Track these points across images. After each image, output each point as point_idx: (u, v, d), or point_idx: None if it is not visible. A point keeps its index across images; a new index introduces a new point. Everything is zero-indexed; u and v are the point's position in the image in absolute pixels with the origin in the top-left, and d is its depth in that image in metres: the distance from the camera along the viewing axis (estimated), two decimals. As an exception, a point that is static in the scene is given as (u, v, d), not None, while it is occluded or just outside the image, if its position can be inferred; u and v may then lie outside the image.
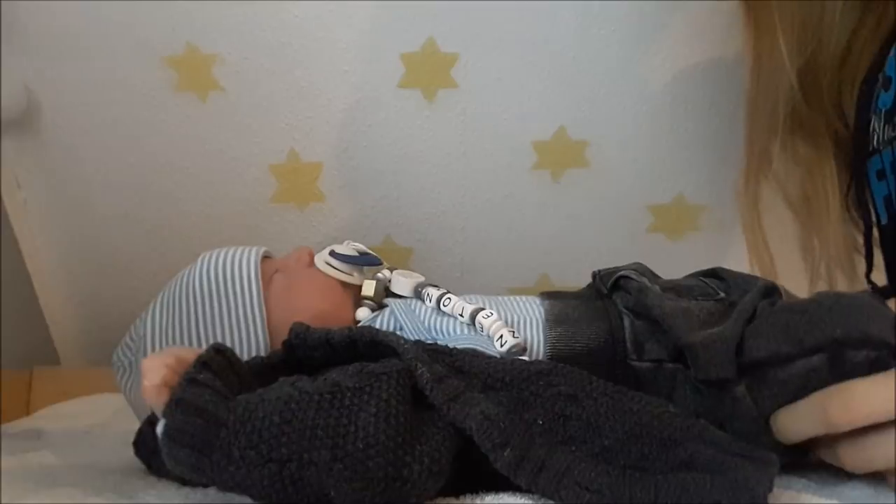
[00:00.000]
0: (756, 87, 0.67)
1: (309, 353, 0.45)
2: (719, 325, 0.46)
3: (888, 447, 0.38)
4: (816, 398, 0.41)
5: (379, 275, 0.59)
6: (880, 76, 0.55)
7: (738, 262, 0.71)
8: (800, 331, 0.42)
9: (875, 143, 0.55)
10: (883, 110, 0.54)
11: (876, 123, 0.55)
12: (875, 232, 0.61)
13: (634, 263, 0.56)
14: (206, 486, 0.42)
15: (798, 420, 0.42)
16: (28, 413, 0.78)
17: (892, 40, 0.55)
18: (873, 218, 0.60)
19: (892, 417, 0.38)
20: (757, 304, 0.47)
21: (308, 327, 0.46)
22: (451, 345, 0.45)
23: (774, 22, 0.62)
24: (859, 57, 0.62)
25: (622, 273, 0.53)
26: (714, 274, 0.54)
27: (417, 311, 0.54)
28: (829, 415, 0.40)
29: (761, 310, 0.46)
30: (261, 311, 0.55)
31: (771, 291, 0.49)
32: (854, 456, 0.40)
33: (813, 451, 0.43)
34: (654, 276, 0.54)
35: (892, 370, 0.39)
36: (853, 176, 0.61)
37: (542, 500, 0.39)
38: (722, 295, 0.50)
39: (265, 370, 0.45)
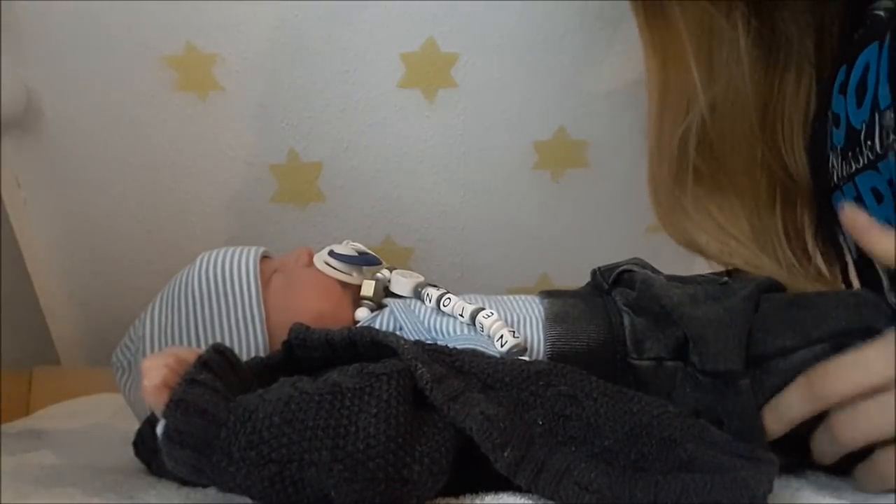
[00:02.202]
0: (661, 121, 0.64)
1: (309, 353, 0.45)
2: (722, 301, 0.46)
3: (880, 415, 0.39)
4: (800, 378, 0.42)
5: (378, 275, 0.59)
6: (829, 114, 0.55)
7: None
8: (808, 325, 0.43)
9: (835, 179, 0.56)
10: (838, 147, 0.54)
11: (834, 160, 0.56)
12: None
13: (634, 258, 0.56)
14: (206, 486, 0.42)
15: (785, 401, 0.43)
16: (28, 413, 0.77)
17: (832, 80, 0.56)
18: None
19: (875, 384, 0.39)
20: (758, 296, 0.47)
21: (308, 328, 0.46)
22: (451, 345, 0.45)
23: (685, 50, 0.60)
24: (790, 110, 0.62)
25: (624, 268, 0.54)
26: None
27: (417, 311, 0.54)
28: (813, 385, 0.41)
29: (765, 301, 0.47)
30: (260, 311, 0.55)
31: (770, 286, 0.50)
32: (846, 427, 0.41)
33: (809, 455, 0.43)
34: (654, 271, 0.54)
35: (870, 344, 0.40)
36: (819, 215, 0.61)
37: (542, 501, 0.39)
38: (725, 279, 0.51)
39: (265, 371, 0.45)
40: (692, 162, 0.63)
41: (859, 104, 0.51)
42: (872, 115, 0.49)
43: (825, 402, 0.41)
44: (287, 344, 0.46)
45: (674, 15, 0.60)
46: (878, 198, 0.51)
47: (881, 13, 0.51)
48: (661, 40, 0.61)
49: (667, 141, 0.63)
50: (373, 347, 0.44)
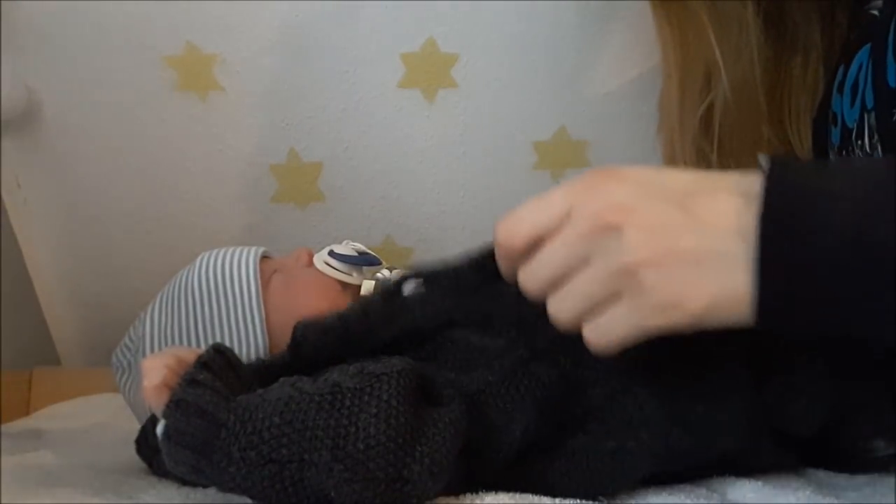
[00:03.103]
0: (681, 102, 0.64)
1: (317, 344, 0.45)
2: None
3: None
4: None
5: (378, 275, 0.59)
6: (829, 113, 0.56)
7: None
8: None
9: None
10: (836, 145, 0.55)
11: (833, 158, 0.56)
12: None
13: None
14: (206, 486, 0.42)
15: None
16: (28, 413, 0.78)
17: (832, 77, 0.56)
18: None
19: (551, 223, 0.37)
20: None
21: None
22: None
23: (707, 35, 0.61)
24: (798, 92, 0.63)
25: None
26: None
27: (417, 311, 0.54)
28: (496, 235, 0.39)
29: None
30: (260, 311, 0.55)
31: None
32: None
33: None
34: None
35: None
36: None
37: (541, 500, 0.39)
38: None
39: (266, 373, 0.44)
40: (715, 137, 0.63)
41: (852, 104, 0.52)
42: (862, 115, 0.50)
43: (509, 248, 0.38)
44: (293, 344, 0.46)
45: None
46: None
47: (875, 12, 0.51)
48: (679, 19, 0.62)
49: (688, 121, 0.64)
50: (386, 324, 0.44)
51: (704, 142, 0.64)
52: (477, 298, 0.44)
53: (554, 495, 0.41)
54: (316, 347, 0.45)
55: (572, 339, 0.37)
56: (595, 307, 0.36)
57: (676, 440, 0.40)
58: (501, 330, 0.44)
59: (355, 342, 0.44)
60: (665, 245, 0.34)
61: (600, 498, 0.41)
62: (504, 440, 0.41)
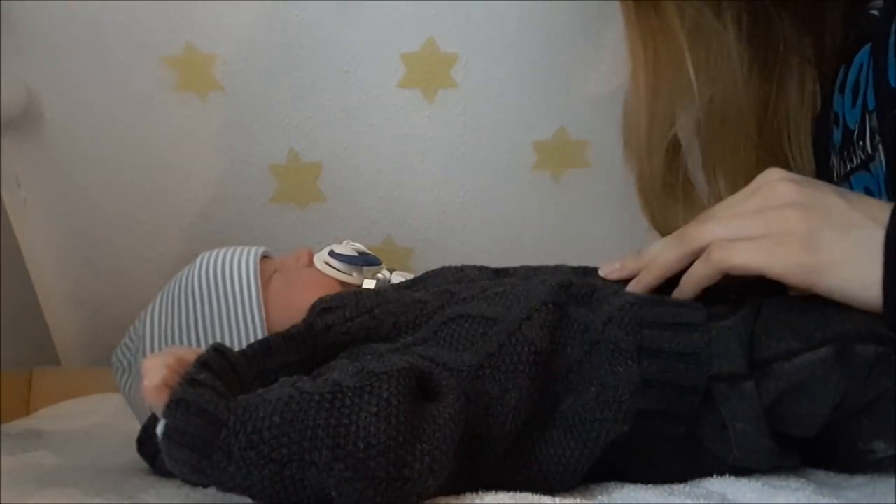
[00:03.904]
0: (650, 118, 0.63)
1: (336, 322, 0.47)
2: (727, 316, 0.46)
3: None
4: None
5: (378, 275, 0.59)
6: (831, 114, 0.55)
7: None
8: (810, 327, 0.42)
9: (835, 178, 0.56)
10: (837, 146, 0.55)
11: (834, 158, 0.56)
12: None
13: None
14: (206, 486, 0.42)
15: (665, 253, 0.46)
16: (28, 413, 0.78)
17: (833, 79, 0.56)
18: None
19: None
20: (759, 299, 0.47)
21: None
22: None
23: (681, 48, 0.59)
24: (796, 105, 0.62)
25: None
26: None
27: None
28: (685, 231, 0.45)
29: (767, 304, 0.46)
30: (260, 310, 0.55)
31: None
32: None
33: None
34: None
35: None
36: None
37: (542, 499, 0.39)
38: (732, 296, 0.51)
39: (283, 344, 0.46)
40: (682, 169, 0.62)
41: (853, 104, 0.52)
42: (863, 116, 0.50)
43: (696, 243, 0.43)
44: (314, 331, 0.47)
45: (668, 14, 0.59)
46: None
47: (875, 13, 0.51)
48: (654, 41, 0.60)
49: (657, 150, 0.62)
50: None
51: (673, 174, 0.63)
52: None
53: (555, 464, 0.41)
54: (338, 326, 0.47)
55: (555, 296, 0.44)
56: (741, 236, 0.41)
57: (649, 370, 0.42)
58: (496, 299, 0.46)
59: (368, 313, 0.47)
60: (817, 198, 0.41)
61: (600, 498, 0.41)
62: (501, 412, 0.41)
